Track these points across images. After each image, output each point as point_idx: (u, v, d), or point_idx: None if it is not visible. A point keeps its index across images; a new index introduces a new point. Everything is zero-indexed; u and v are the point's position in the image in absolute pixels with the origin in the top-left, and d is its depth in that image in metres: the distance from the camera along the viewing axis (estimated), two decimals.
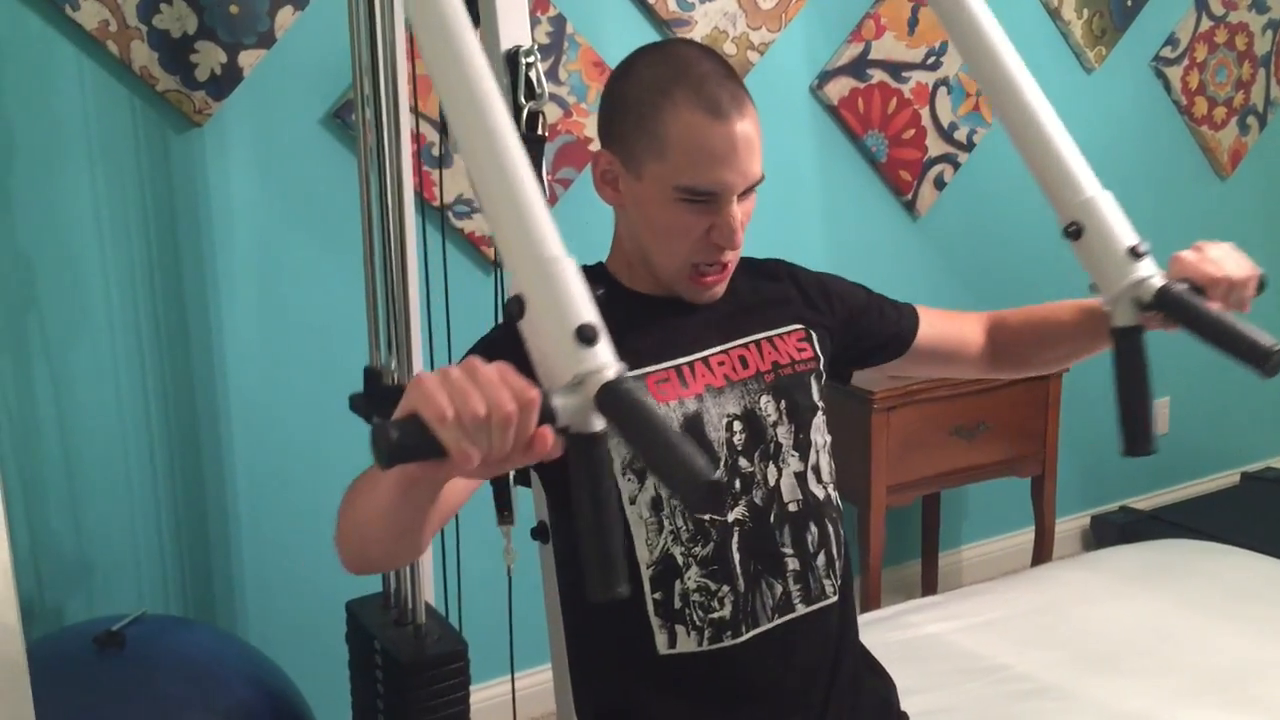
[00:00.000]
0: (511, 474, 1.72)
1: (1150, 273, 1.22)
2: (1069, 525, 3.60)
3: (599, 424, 0.87)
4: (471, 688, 1.94)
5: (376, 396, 1.91)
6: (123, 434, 2.25)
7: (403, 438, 0.80)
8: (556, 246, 0.94)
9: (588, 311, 0.90)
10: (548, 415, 0.85)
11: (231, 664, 1.95)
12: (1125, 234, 1.24)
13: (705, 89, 1.24)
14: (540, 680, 2.51)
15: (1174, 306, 1.19)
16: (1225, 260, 1.28)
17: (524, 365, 0.91)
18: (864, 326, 1.52)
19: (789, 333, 1.42)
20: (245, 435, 2.36)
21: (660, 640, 1.30)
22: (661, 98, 1.25)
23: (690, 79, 1.25)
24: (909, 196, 3.10)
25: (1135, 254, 1.22)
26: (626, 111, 1.28)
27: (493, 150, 0.97)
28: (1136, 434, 1.22)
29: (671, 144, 1.24)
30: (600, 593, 0.86)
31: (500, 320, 1.45)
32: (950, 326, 1.58)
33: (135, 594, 2.29)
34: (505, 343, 1.02)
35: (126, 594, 2.28)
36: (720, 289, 1.36)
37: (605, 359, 0.89)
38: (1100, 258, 1.25)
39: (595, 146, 2.60)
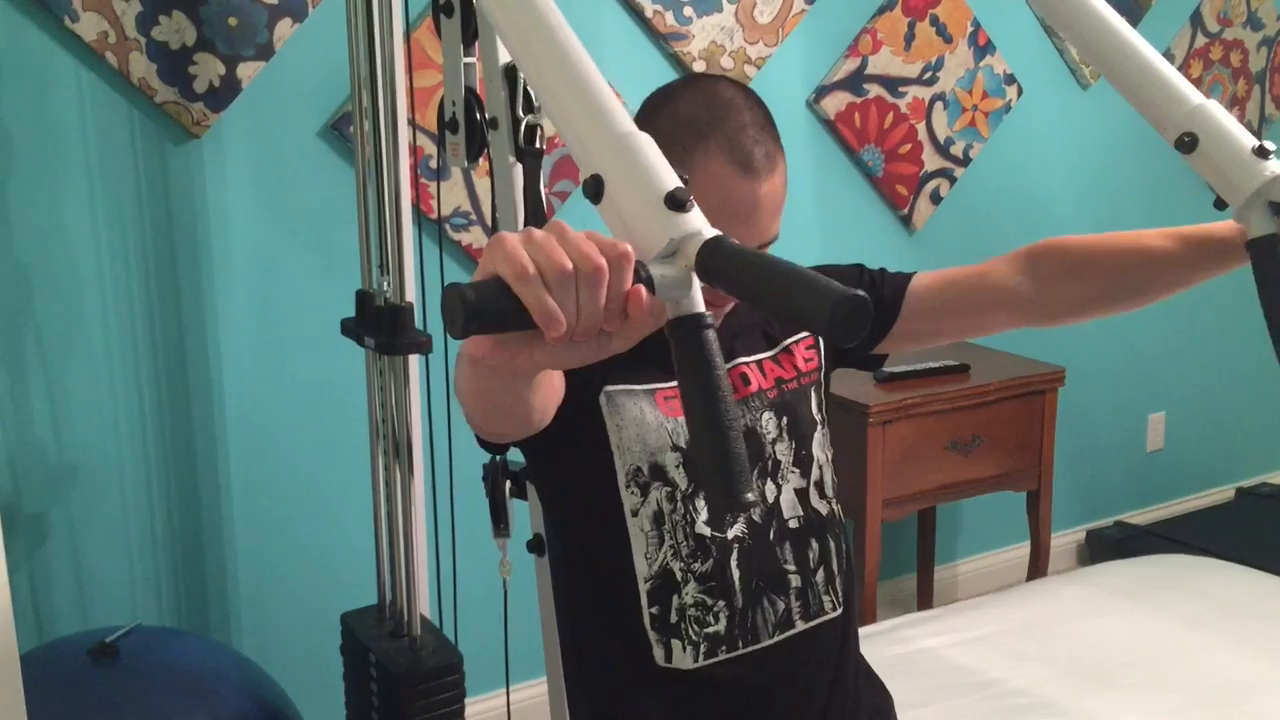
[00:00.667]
0: (508, 485, 1.73)
1: None
2: (1064, 540, 3.60)
3: (700, 302, 0.79)
4: (467, 700, 1.93)
5: (369, 318, 1.90)
6: (117, 445, 2.24)
7: (480, 301, 0.69)
8: (629, 122, 0.89)
9: (673, 178, 0.84)
10: (645, 280, 0.76)
11: (225, 676, 1.95)
12: (1245, 135, 1.16)
13: (741, 141, 1.21)
14: (536, 693, 2.50)
15: None
16: None
17: None
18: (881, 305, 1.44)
19: (798, 341, 1.41)
20: (240, 447, 2.36)
21: (657, 654, 1.30)
22: (696, 141, 1.21)
23: (728, 127, 1.21)
24: (905, 211, 3.11)
25: (1262, 153, 1.14)
26: (659, 145, 1.25)
27: (552, 37, 0.94)
28: None
29: (696, 194, 1.19)
30: (725, 502, 0.74)
31: None
32: (960, 270, 1.44)
33: (129, 605, 2.29)
34: None
35: (120, 605, 2.27)
36: (716, 320, 1.32)
37: (701, 222, 0.81)
38: (1224, 163, 1.16)
39: None
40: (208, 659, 1.98)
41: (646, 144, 0.86)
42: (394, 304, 1.87)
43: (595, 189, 0.85)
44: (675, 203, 0.81)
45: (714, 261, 0.77)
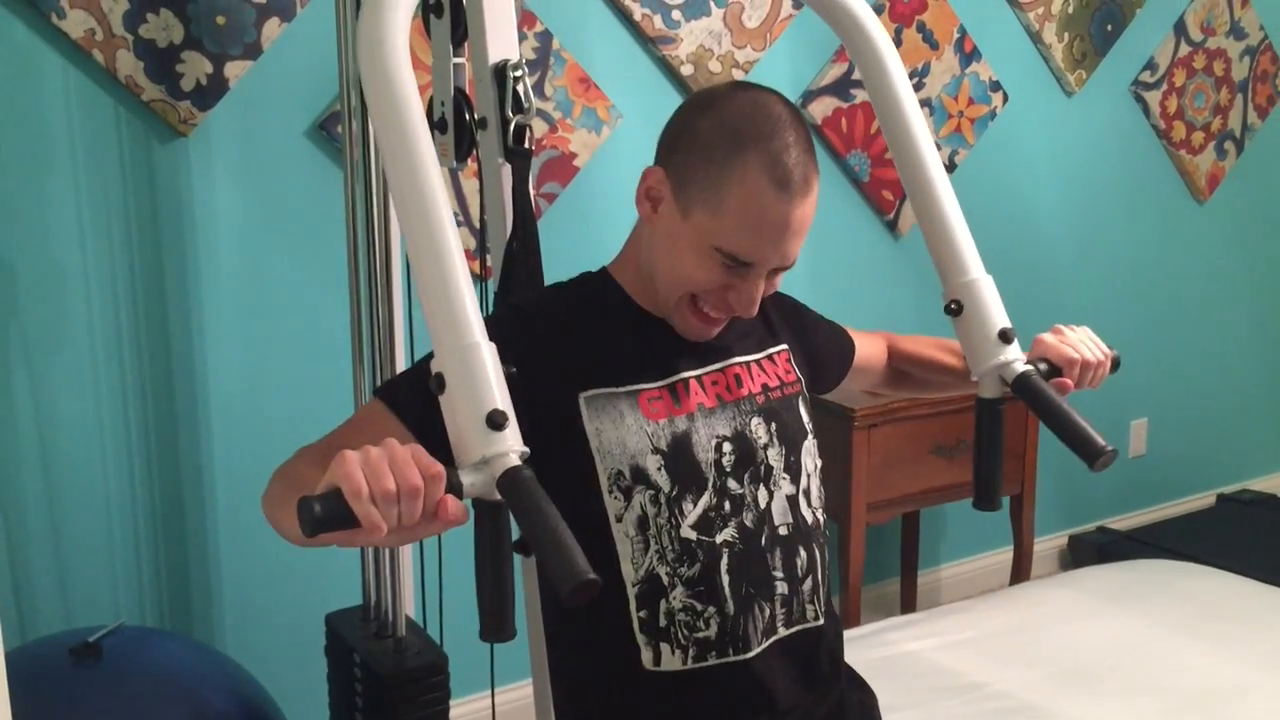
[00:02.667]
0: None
1: (1015, 356, 1.34)
2: (1047, 544, 3.62)
3: (497, 495, 0.98)
4: (451, 702, 1.93)
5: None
6: (102, 443, 2.23)
7: (323, 512, 0.91)
8: (477, 333, 1.02)
9: (499, 398, 0.99)
10: (455, 488, 0.95)
11: (209, 676, 1.94)
12: (999, 318, 1.35)
13: (783, 160, 1.22)
14: (521, 695, 2.50)
15: (1029, 394, 1.32)
16: (1082, 345, 1.40)
17: (507, 346, 1.04)
18: (819, 344, 1.55)
19: (777, 353, 1.44)
20: (225, 446, 2.35)
21: (646, 657, 1.30)
22: (736, 151, 1.22)
23: (772, 144, 1.22)
24: (891, 216, 3.12)
25: (1005, 338, 1.34)
26: (696, 148, 1.24)
27: (430, 236, 1.04)
28: (988, 492, 1.41)
29: (729, 205, 1.22)
30: (491, 636, 1.00)
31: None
32: (868, 346, 1.66)
33: (112, 605, 2.27)
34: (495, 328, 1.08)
35: (103, 605, 2.26)
36: (712, 333, 1.34)
37: (510, 443, 0.98)
38: (974, 336, 1.35)
39: (580, 155, 2.61)
40: (191, 659, 1.97)
41: (487, 358, 1.01)
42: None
43: (439, 385, 1.01)
44: (493, 423, 0.98)
45: (506, 489, 0.96)
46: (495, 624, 1.00)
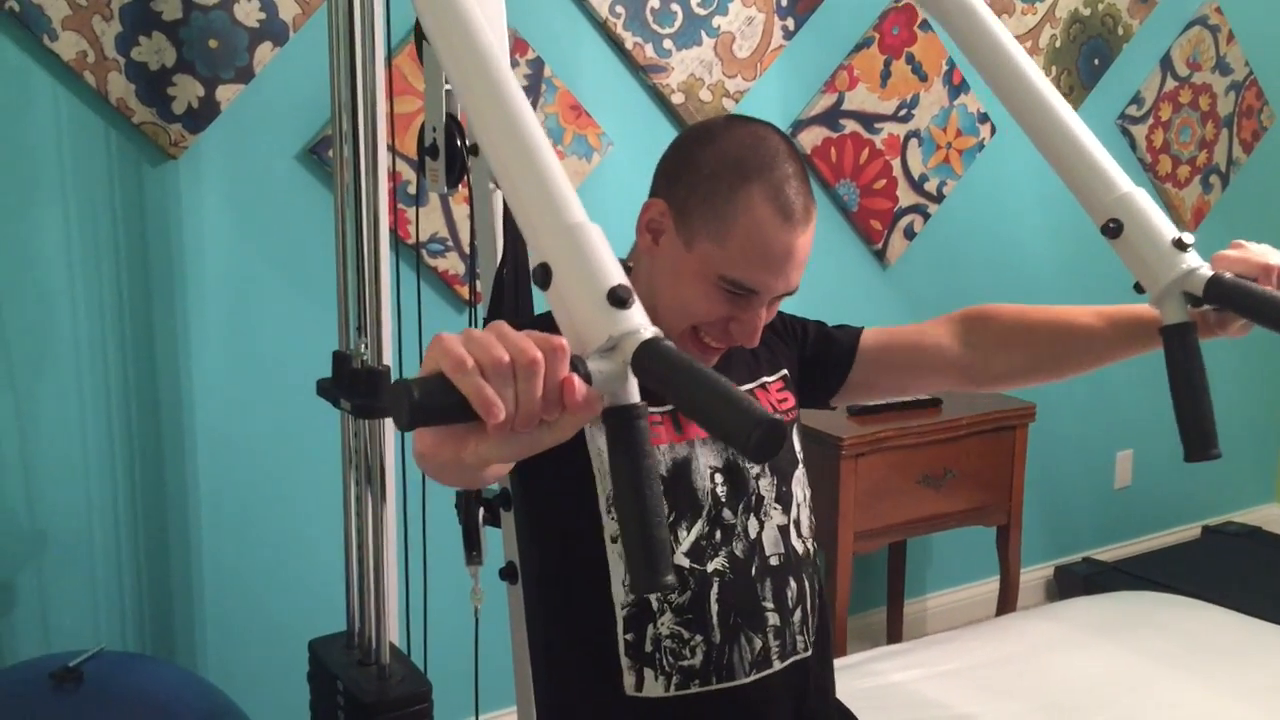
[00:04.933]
0: (481, 512, 1.72)
1: (1198, 263, 1.18)
2: (1033, 575, 3.61)
3: (635, 394, 0.83)
4: None
5: (345, 380, 1.89)
6: (85, 467, 2.22)
7: (423, 396, 0.74)
8: (580, 213, 0.91)
9: (618, 274, 0.87)
10: (581, 374, 0.80)
11: (191, 702, 1.92)
12: (1167, 226, 1.21)
13: (785, 190, 1.23)
14: None
15: (1231, 293, 1.14)
16: (1270, 253, 1.23)
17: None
18: (814, 350, 1.51)
19: (773, 381, 1.43)
20: (210, 471, 2.34)
21: (628, 681, 1.29)
22: (740, 181, 1.22)
23: (774, 174, 1.23)
24: (879, 245, 3.14)
25: (1181, 246, 1.19)
26: (699, 180, 1.25)
27: (511, 121, 0.96)
28: (1198, 437, 1.17)
29: (734, 234, 1.22)
30: (645, 583, 0.80)
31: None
32: (902, 330, 1.51)
33: (93, 629, 2.26)
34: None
35: (84, 629, 2.24)
36: (710, 363, 1.33)
37: (640, 320, 0.84)
38: (1144, 252, 1.21)
39: (571, 179, 2.62)
40: (173, 685, 1.95)
41: (596, 237, 0.89)
42: (371, 367, 1.86)
43: (544, 277, 0.88)
44: (617, 300, 0.84)
45: (649, 362, 0.81)
46: (650, 568, 0.80)
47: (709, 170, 1.24)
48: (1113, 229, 1.23)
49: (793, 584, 1.36)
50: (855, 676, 2.21)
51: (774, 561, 1.34)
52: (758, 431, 0.74)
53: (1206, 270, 1.17)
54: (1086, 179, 1.26)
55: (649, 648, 1.28)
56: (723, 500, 1.32)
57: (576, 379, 0.78)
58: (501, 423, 0.75)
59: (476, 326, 1.71)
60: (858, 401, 1.57)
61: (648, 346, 0.82)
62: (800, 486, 1.40)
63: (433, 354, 0.77)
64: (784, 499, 1.37)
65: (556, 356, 0.77)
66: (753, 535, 1.33)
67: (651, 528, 0.80)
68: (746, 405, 0.76)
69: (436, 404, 0.74)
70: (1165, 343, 1.19)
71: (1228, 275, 1.16)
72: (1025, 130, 1.32)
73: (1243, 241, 1.26)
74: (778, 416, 0.75)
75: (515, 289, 1.59)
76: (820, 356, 1.50)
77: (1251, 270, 1.20)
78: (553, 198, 0.92)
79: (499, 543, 1.75)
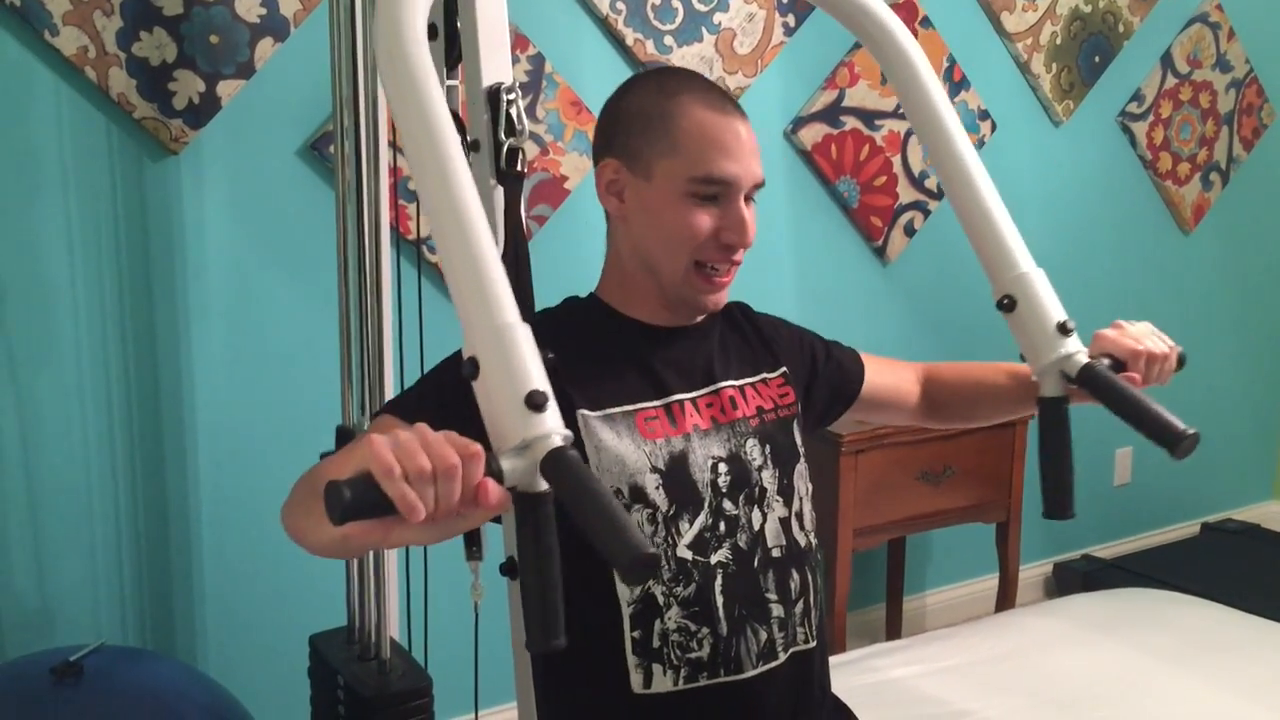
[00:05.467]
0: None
1: (1076, 349, 1.29)
2: (1032, 572, 3.62)
3: (544, 484, 0.91)
4: None
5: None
6: (86, 462, 2.22)
7: (354, 497, 0.84)
8: (511, 313, 0.97)
9: (538, 378, 0.94)
10: (495, 473, 0.89)
11: (191, 697, 1.93)
12: (1055, 310, 1.30)
13: (712, 92, 1.32)
14: (506, 718, 2.49)
15: (1096, 383, 1.26)
16: (1146, 337, 1.36)
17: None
18: (826, 376, 1.55)
19: (773, 378, 1.44)
20: (211, 465, 2.34)
21: (636, 679, 1.29)
22: (670, 102, 1.30)
23: (695, 84, 1.33)
24: (879, 242, 3.14)
25: (1064, 330, 1.29)
26: (632, 119, 1.32)
27: (456, 216, 1.00)
28: (1057, 498, 1.29)
29: (684, 139, 1.28)
30: (539, 644, 0.91)
31: None
32: (889, 375, 1.62)
33: (94, 624, 2.26)
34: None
35: (85, 624, 2.25)
36: (724, 296, 1.37)
37: (552, 425, 0.92)
38: (1031, 331, 1.31)
39: (571, 178, 2.62)
40: (173, 680, 1.96)
41: (522, 339, 0.96)
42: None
43: (472, 370, 0.96)
44: (533, 404, 0.92)
45: (553, 471, 0.90)
46: (544, 632, 0.91)
47: (636, 108, 1.32)
48: (1007, 305, 1.32)
49: (795, 576, 1.36)
50: (854, 673, 2.21)
51: (776, 553, 1.35)
52: (632, 560, 0.84)
53: (1082, 357, 1.28)
54: (992, 253, 1.35)
55: (657, 643, 1.29)
56: (723, 491, 1.32)
57: (490, 483, 0.87)
58: (423, 520, 0.84)
59: None
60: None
61: (554, 456, 0.90)
62: (802, 480, 1.41)
63: (363, 452, 0.86)
64: (786, 491, 1.38)
65: (473, 463, 0.86)
66: (756, 527, 1.34)
67: (548, 597, 0.91)
68: (629, 536, 0.85)
69: (366, 503, 0.84)
70: (1040, 412, 1.31)
71: (1101, 364, 1.28)
72: (948, 195, 1.40)
73: (1122, 322, 1.38)
74: (655, 551, 0.85)
75: (517, 284, 1.59)
76: (831, 385, 1.56)
77: (1122, 353, 1.33)
78: (487, 297, 0.98)
79: (499, 538, 1.75)
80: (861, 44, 1.49)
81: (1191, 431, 1.18)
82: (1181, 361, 1.40)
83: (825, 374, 1.55)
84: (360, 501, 0.84)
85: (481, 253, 0.99)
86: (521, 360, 0.94)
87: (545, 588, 0.91)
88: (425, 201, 1.04)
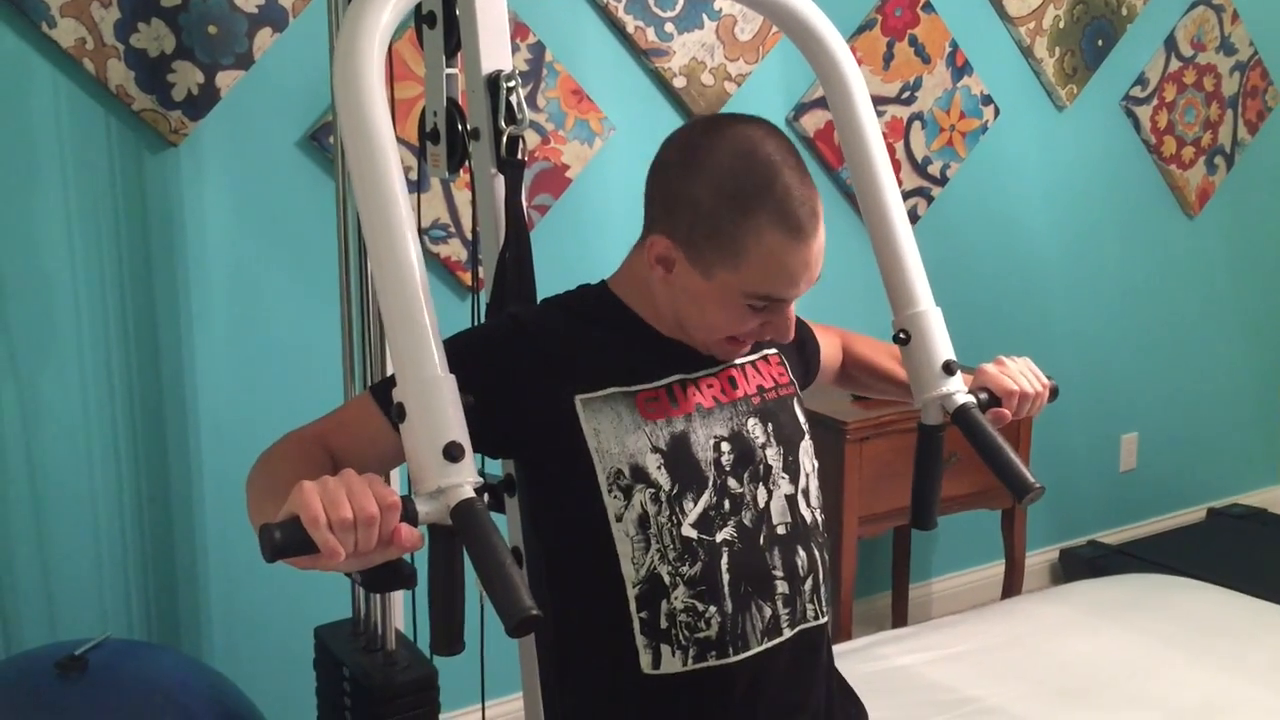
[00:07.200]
0: (485, 496, 1.71)
1: (957, 388, 1.41)
2: (1038, 558, 3.61)
3: (448, 519, 1.03)
4: (441, 716, 1.92)
5: None
6: (89, 455, 2.22)
7: (284, 538, 0.96)
8: (439, 366, 1.07)
9: (457, 430, 1.05)
10: (410, 516, 1.01)
11: (196, 690, 1.93)
12: (944, 349, 1.42)
13: (788, 207, 1.23)
14: (511, 709, 2.49)
15: (966, 427, 1.40)
16: (1021, 376, 1.46)
17: (502, 354, 1.17)
18: (803, 356, 1.56)
19: (773, 354, 1.45)
20: (215, 458, 2.34)
21: (645, 660, 1.29)
22: (743, 215, 1.22)
23: (774, 195, 1.22)
24: None
25: (948, 369, 1.41)
26: (699, 219, 1.24)
27: (396, 270, 1.10)
28: (923, 512, 1.47)
29: (750, 261, 1.23)
30: (442, 651, 1.07)
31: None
32: (829, 346, 1.67)
33: (99, 617, 2.26)
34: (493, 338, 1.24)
35: (90, 617, 2.25)
36: (744, 351, 1.39)
37: (465, 476, 1.04)
38: (918, 366, 1.43)
39: (572, 166, 2.60)
40: (178, 672, 1.96)
41: (446, 392, 1.07)
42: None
43: (400, 415, 1.07)
44: (449, 455, 1.04)
45: (459, 522, 1.03)
46: (445, 640, 1.07)
47: (708, 206, 1.23)
48: (902, 339, 1.44)
49: (801, 553, 1.36)
50: (860, 660, 2.21)
51: (781, 530, 1.35)
52: (518, 621, 0.97)
53: (960, 397, 1.41)
54: (897, 286, 1.46)
55: (664, 624, 1.28)
56: (727, 469, 1.32)
57: (404, 528, 1.00)
58: (341, 561, 0.97)
59: (480, 314, 1.70)
60: None
61: (462, 507, 1.02)
62: (808, 457, 1.41)
63: (293, 500, 0.98)
64: (791, 468, 1.37)
65: (390, 513, 0.99)
66: (761, 504, 1.34)
67: (453, 616, 1.06)
68: (516, 595, 0.98)
69: (293, 544, 0.97)
70: (919, 437, 1.45)
71: (972, 408, 1.40)
72: (866, 223, 1.49)
73: (1004, 359, 1.49)
74: (536, 614, 0.97)
75: (518, 274, 1.58)
76: (804, 363, 1.57)
77: (998, 390, 1.44)
78: (418, 349, 1.08)
79: (503, 528, 1.74)
80: (807, 62, 1.51)
81: (1038, 486, 1.35)
82: (1054, 395, 1.52)
83: (804, 355, 1.57)
84: (288, 543, 0.97)
85: (414, 305, 1.09)
86: (443, 412, 1.06)
87: (450, 608, 1.05)
88: (371, 259, 1.12)
